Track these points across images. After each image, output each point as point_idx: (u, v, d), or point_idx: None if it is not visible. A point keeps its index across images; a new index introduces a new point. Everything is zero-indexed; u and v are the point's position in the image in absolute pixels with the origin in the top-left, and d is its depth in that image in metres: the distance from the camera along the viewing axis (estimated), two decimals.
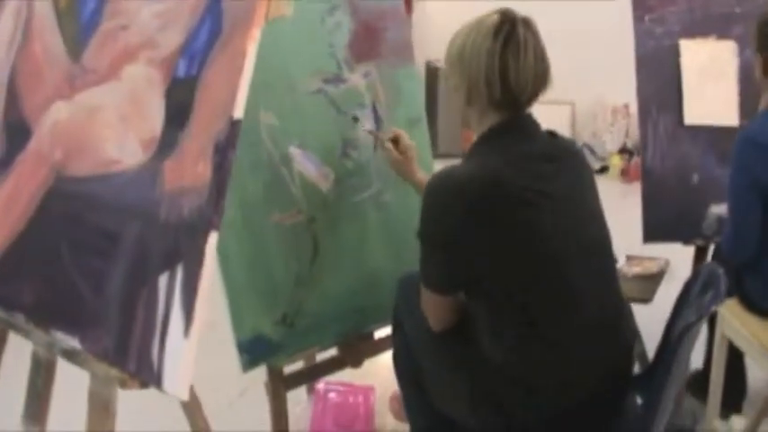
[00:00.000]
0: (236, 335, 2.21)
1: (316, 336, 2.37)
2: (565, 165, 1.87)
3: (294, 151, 2.29)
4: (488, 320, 1.84)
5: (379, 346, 2.53)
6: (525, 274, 1.77)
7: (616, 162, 6.15)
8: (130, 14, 1.10)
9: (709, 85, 3.07)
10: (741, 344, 2.56)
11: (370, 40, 2.49)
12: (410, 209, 2.33)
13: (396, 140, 2.35)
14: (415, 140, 2.53)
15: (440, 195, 1.80)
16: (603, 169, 6.21)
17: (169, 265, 1.08)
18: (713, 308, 1.84)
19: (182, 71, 1.09)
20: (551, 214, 1.77)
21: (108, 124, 1.14)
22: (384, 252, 2.48)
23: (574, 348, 1.82)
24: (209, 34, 1.07)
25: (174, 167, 1.09)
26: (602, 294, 1.87)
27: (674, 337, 1.86)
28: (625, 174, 6.06)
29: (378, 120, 2.47)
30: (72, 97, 1.23)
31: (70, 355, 1.27)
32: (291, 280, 2.30)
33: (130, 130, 1.12)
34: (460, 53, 1.84)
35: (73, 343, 1.23)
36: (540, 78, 1.84)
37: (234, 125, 1.06)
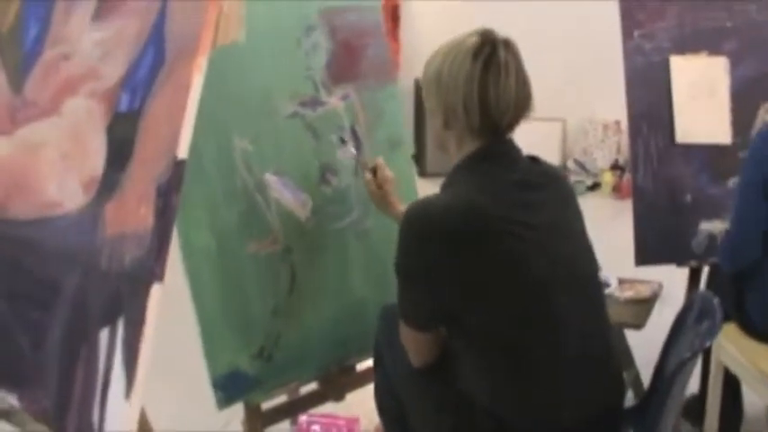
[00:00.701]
0: (210, 370, 2.12)
1: (295, 369, 2.29)
2: (548, 193, 1.78)
3: (270, 178, 2.20)
4: (470, 357, 1.75)
5: (362, 379, 2.44)
6: (507, 308, 1.68)
7: (608, 179, 6.07)
8: (72, 42, 1.01)
9: (701, 102, 3.00)
10: (738, 371, 2.48)
11: (349, 60, 2.40)
12: (393, 235, 2.22)
13: (374, 171, 2.25)
14: (397, 163, 2.46)
15: (417, 227, 1.71)
16: (595, 186, 6.13)
17: (110, 320, 0.98)
18: (708, 343, 1.75)
19: (124, 105, 0.99)
20: (535, 246, 1.68)
21: (49, 162, 1.05)
22: (366, 281, 2.40)
23: (561, 384, 1.73)
24: (151, 64, 0.98)
25: (115, 211, 0.99)
26: (590, 326, 1.79)
27: (668, 373, 1.77)
28: (617, 190, 5.98)
29: (357, 143, 2.38)
30: (13, 132, 1.13)
31: (7, 416, 1.17)
32: (268, 311, 2.21)
33: (72, 169, 1.02)
34: (438, 76, 1.75)
35: (11, 401, 1.13)
36: (521, 103, 1.74)
37: (178, 165, 0.96)
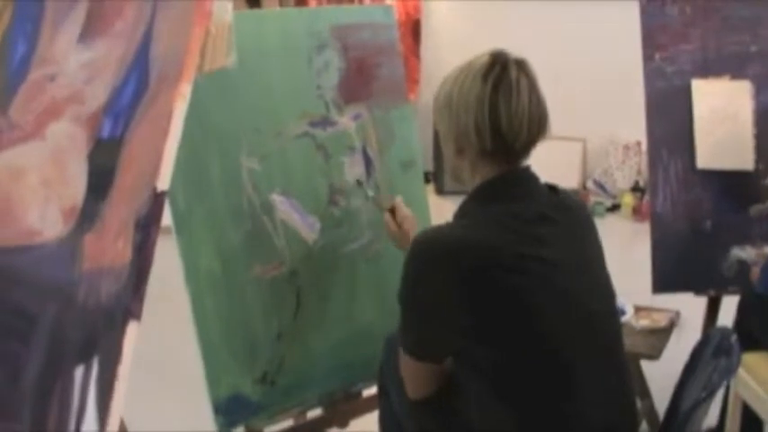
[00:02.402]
0: (211, 394, 2.06)
1: (299, 395, 2.24)
2: (565, 225, 1.70)
3: (277, 198, 2.16)
4: (477, 393, 1.68)
5: (367, 405, 2.38)
6: (518, 347, 1.61)
7: (628, 200, 5.98)
8: (59, 63, 0.96)
9: (723, 127, 2.92)
10: (759, 408, 2.37)
11: (361, 80, 2.35)
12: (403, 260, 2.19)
13: (392, 210, 2.18)
14: (409, 185, 2.41)
15: (425, 260, 1.65)
16: (615, 207, 6.04)
17: (85, 357, 0.93)
18: (725, 382, 1.68)
19: (106, 131, 0.94)
20: (549, 282, 1.61)
21: (31, 188, 0.99)
22: (374, 306, 2.34)
23: (573, 415, 1.66)
24: (134, 89, 0.93)
25: (94, 243, 0.94)
26: (605, 364, 1.72)
27: (682, 412, 1.70)
28: (637, 212, 5.88)
29: (368, 164, 2.33)
30: None
31: None
32: (272, 335, 2.16)
33: (52, 196, 0.97)
34: (449, 99, 1.70)
35: None
36: (535, 124, 1.67)
37: (158, 197, 0.91)
